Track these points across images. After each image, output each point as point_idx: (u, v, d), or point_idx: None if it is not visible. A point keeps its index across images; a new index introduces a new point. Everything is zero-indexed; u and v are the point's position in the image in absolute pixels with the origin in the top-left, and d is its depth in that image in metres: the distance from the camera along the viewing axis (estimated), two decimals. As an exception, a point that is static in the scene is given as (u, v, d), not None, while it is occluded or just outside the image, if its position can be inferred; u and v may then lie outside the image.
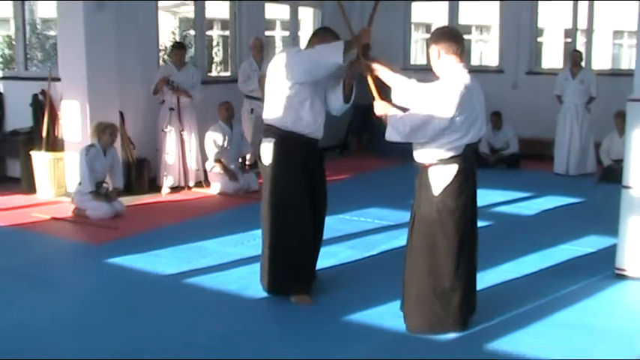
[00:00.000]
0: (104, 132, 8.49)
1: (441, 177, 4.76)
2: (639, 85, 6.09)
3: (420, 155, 4.87)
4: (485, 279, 6.02)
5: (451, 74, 4.76)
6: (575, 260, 6.72)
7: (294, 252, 5.50)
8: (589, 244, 7.18)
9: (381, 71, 5.18)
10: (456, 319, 4.89)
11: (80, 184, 8.46)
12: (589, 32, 13.06)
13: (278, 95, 5.43)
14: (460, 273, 4.84)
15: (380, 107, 4.97)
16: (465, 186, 4.80)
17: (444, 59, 4.82)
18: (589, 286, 5.96)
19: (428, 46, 4.95)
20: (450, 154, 4.74)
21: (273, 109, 5.47)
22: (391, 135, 4.82)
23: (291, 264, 5.52)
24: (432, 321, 4.89)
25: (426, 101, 4.73)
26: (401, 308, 5.06)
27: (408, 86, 5.05)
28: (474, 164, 4.95)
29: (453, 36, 4.88)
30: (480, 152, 11.64)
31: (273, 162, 5.45)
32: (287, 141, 5.44)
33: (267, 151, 5.49)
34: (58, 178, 9.35)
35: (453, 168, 4.75)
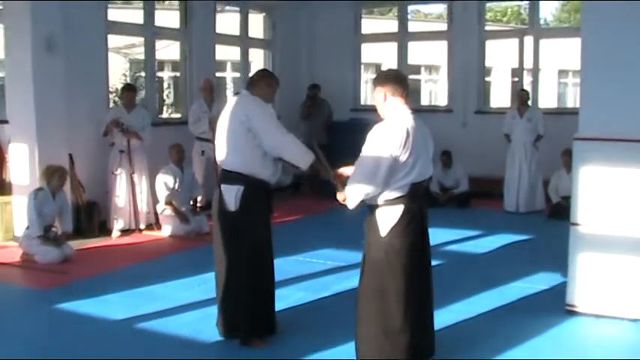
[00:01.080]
0: (53, 175, 8.39)
1: (387, 218, 4.73)
2: (584, 123, 6.21)
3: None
4: (437, 319, 6.02)
5: (396, 116, 4.79)
6: (527, 298, 6.77)
7: (252, 296, 5.47)
8: (540, 281, 7.25)
9: (346, 172, 5.15)
10: None
11: (28, 228, 8.33)
12: (535, 71, 13.33)
13: (242, 144, 5.45)
14: (409, 315, 4.76)
15: (342, 196, 4.97)
16: (411, 226, 4.76)
17: (389, 101, 4.84)
18: (541, 323, 6.00)
19: (374, 88, 4.98)
20: (396, 194, 4.71)
21: (237, 156, 5.48)
22: (350, 199, 4.78)
23: (247, 308, 5.48)
24: None
25: (369, 147, 4.74)
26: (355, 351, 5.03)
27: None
28: (424, 204, 4.95)
29: (399, 79, 4.91)
30: (430, 191, 11.75)
31: (241, 208, 5.44)
32: (254, 187, 5.47)
33: (232, 198, 5.45)
34: (5, 223, 9.18)
35: (399, 209, 4.71)
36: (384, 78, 4.92)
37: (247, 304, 5.47)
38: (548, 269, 7.49)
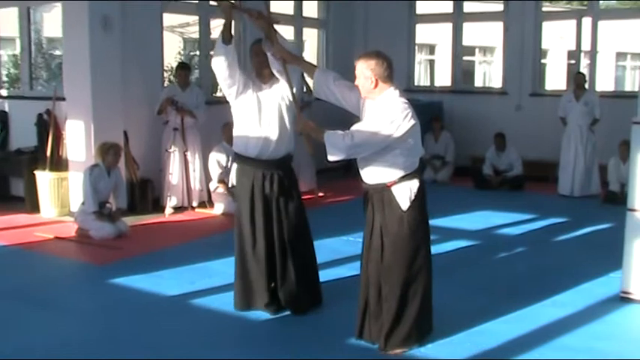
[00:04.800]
0: (108, 152, 8.50)
1: (406, 193, 4.87)
2: (643, 107, 6.09)
3: (378, 176, 4.96)
4: (489, 302, 6.00)
5: (392, 98, 4.97)
6: (581, 283, 6.66)
7: (238, 266, 5.78)
8: (595, 266, 7.13)
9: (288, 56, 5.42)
10: (426, 331, 5.08)
11: (84, 203, 8.46)
12: (592, 54, 13.07)
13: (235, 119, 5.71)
14: (430, 288, 5.03)
15: (304, 125, 5.13)
16: (425, 199, 4.97)
17: (380, 87, 5.09)
18: (594, 310, 5.94)
19: (360, 71, 5.20)
20: (409, 170, 4.88)
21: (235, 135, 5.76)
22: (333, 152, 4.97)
23: (235, 277, 5.82)
24: (409, 339, 4.98)
25: (374, 119, 4.87)
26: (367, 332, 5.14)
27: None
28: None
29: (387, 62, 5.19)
30: (484, 174, 11.69)
31: (235, 186, 5.79)
32: (241, 165, 5.70)
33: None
34: (61, 198, 9.36)
35: (416, 183, 4.90)
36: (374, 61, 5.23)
37: (235, 274, 5.80)
38: (603, 255, 7.38)
